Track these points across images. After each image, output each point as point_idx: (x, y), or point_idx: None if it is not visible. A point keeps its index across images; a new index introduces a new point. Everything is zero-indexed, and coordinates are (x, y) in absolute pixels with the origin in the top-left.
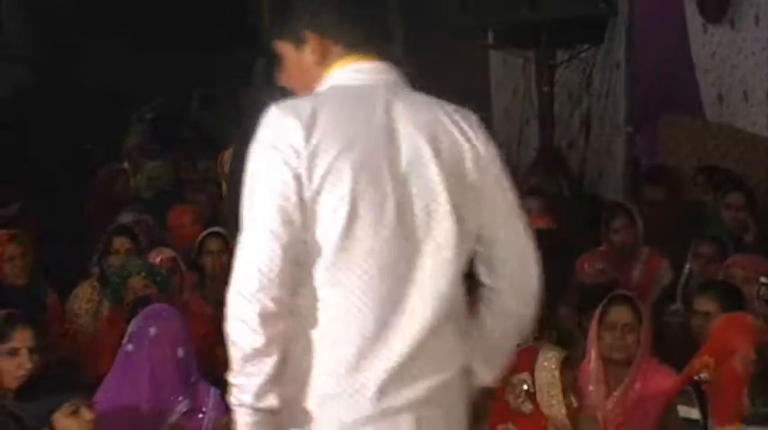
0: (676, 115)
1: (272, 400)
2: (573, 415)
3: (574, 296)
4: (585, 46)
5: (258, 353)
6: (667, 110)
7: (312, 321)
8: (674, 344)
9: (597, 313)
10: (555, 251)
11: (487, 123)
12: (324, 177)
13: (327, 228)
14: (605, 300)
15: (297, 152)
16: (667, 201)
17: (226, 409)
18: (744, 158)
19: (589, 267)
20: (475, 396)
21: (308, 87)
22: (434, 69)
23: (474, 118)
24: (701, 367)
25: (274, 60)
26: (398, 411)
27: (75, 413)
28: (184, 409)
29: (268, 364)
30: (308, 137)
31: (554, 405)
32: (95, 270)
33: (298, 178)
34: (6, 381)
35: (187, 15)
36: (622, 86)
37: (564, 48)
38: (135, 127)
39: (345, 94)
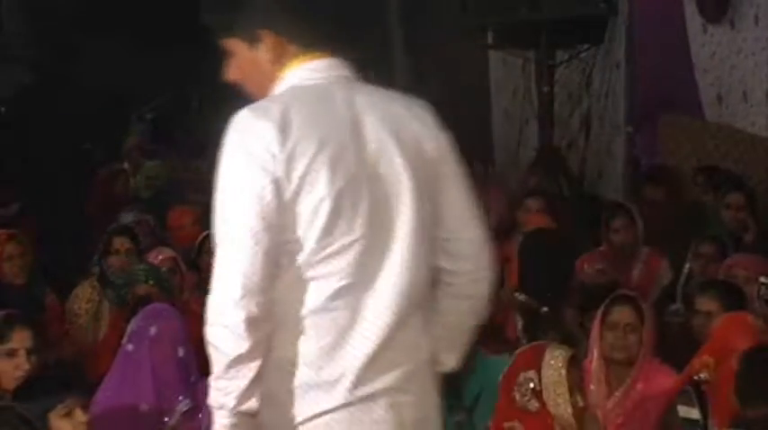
0: (676, 115)
1: (253, 403)
2: (579, 414)
3: (576, 296)
4: (585, 46)
5: (243, 359)
6: (667, 110)
7: (290, 315)
8: (674, 344)
9: (599, 313)
10: (555, 251)
11: (487, 123)
12: (302, 179)
13: (307, 227)
14: (607, 300)
15: (273, 156)
16: (667, 201)
17: None
18: (743, 158)
19: (589, 267)
20: None
21: (262, 85)
22: (434, 69)
23: (429, 110)
24: (702, 367)
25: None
26: (373, 397)
27: (68, 414)
28: (184, 409)
29: (252, 369)
30: (283, 140)
31: (560, 403)
32: (95, 270)
33: (276, 182)
34: (4, 382)
35: (187, 15)
36: (622, 86)
37: (564, 48)
38: (135, 127)
39: (308, 93)
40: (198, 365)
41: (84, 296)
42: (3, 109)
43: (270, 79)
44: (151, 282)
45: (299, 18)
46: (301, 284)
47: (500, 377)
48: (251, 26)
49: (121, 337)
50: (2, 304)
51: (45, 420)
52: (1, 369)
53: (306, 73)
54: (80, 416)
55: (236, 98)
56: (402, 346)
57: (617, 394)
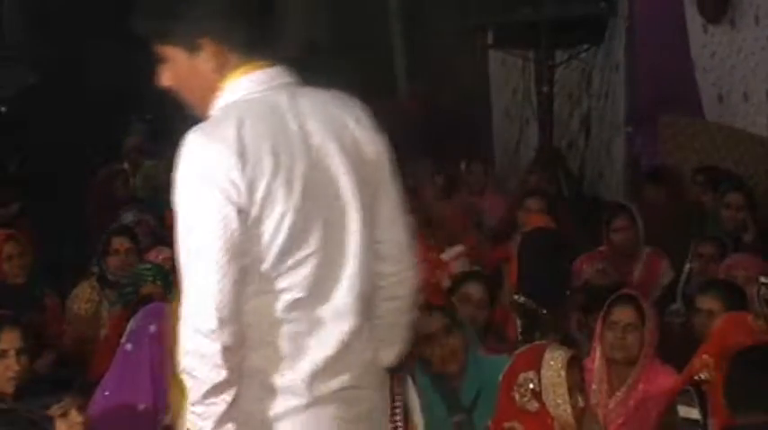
0: (676, 115)
1: (230, 427)
2: (579, 414)
3: (579, 296)
4: (585, 46)
5: (221, 386)
6: (667, 110)
7: (251, 327)
8: (674, 344)
9: (602, 313)
10: (555, 251)
11: (487, 123)
12: (263, 201)
13: (268, 245)
14: (609, 300)
15: (235, 185)
16: (667, 202)
17: None
18: (744, 158)
19: (589, 267)
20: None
21: (201, 94)
22: (434, 69)
23: (368, 113)
24: (702, 367)
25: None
26: (331, 396)
27: (64, 414)
28: None
29: (230, 394)
30: (242, 166)
31: (560, 404)
32: (95, 270)
33: (241, 211)
34: None
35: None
36: (622, 86)
37: (564, 48)
38: (135, 127)
39: (255, 108)
40: None
41: (83, 296)
42: (3, 109)
43: (211, 88)
44: (159, 282)
45: (240, 26)
46: (261, 298)
47: (499, 377)
48: (191, 34)
49: (121, 337)
50: (1, 304)
51: (50, 421)
52: None
53: (250, 85)
54: (75, 416)
55: None
56: (356, 350)
57: (619, 394)
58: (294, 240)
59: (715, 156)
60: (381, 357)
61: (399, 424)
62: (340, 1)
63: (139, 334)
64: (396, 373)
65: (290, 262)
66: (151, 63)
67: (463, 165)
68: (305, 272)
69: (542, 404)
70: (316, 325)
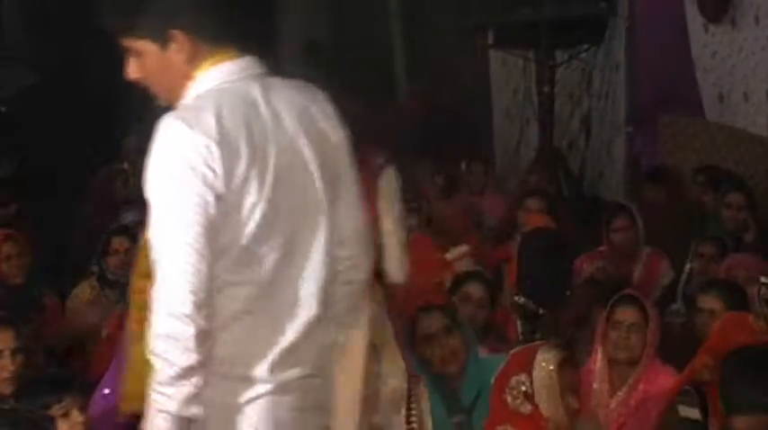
0: (676, 115)
1: (195, 410)
2: (572, 415)
3: (581, 290)
4: (586, 46)
5: (192, 370)
6: (667, 110)
7: (218, 317)
8: (674, 344)
9: (604, 312)
10: (555, 251)
11: (488, 123)
12: (239, 189)
13: (238, 235)
14: (612, 300)
15: (214, 170)
16: (667, 201)
17: None
18: (744, 158)
19: (588, 266)
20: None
21: (172, 84)
22: (434, 69)
23: (331, 101)
24: (702, 367)
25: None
26: (290, 385)
27: (66, 415)
28: None
29: (199, 378)
30: (221, 152)
31: (552, 406)
32: (95, 269)
33: (219, 197)
34: None
35: (227, 17)
36: (622, 87)
37: (564, 48)
38: (135, 127)
39: (230, 97)
40: None
41: (83, 296)
42: (3, 108)
43: (182, 79)
44: None
45: (210, 16)
46: (228, 287)
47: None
48: (162, 26)
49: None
50: (0, 304)
51: (51, 421)
52: None
53: (222, 75)
54: (77, 416)
55: None
56: (316, 338)
57: (620, 394)
58: (263, 230)
59: (715, 156)
60: (339, 341)
61: (414, 425)
62: (340, 1)
63: None
64: (412, 375)
65: (257, 252)
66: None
67: (463, 165)
68: (270, 262)
69: (535, 406)
70: (279, 313)
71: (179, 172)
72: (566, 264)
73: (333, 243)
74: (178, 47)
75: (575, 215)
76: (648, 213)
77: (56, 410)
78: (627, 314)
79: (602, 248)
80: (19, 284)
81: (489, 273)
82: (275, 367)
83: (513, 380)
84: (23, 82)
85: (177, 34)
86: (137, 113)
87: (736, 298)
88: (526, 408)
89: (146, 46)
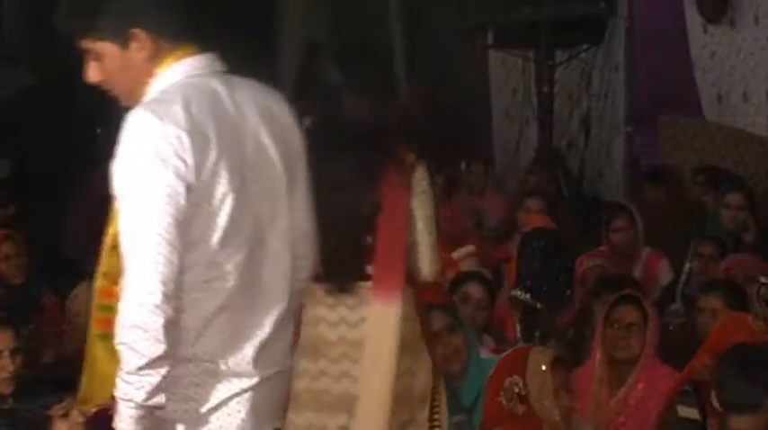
0: (676, 115)
1: (161, 398)
2: (566, 415)
3: (581, 289)
4: (585, 46)
5: (159, 360)
6: (667, 110)
7: (193, 314)
8: (674, 344)
9: (603, 312)
10: (555, 251)
11: (487, 123)
12: (210, 179)
13: (209, 229)
14: (612, 299)
15: (185, 162)
16: (667, 202)
17: None
18: (743, 159)
19: (588, 261)
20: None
21: (134, 84)
22: (434, 69)
23: (288, 103)
24: (701, 367)
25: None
26: (269, 379)
27: (66, 415)
28: None
29: (166, 367)
30: (191, 144)
31: (546, 406)
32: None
33: (189, 188)
34: None
35: (186, 15)
36: (622, 86)
37: (563, 48)
38: None
39: (196, 91)
40: None
41: (83, 296)
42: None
43: (144, 77)
44: None
45: (172, 14)
46: (207, 283)
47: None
48: (123, 26)
49: None
50: (0, 303)
51: (50, 421)
52: None
53: (185, 69)
54: (77, 416)
55: None
56: (285, 333)
57: (619, 394)
58: (235, 221)
59: (715, 156)
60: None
61: (437, 422)
62: (340, 1)
63: None
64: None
65: (231, 245)
66: None
67: (463, 165)
68: (243, 255)
69: (529, 407)
70: (253, 309)
71: (150, 163)
72: (566, 264)
73: (294, 238)
74: (139, 46)
75: (574, 215)
76: (648, 213)
77: (56, 410)
78: (627, 314)
79: (602, 248)
80: (18, 284)
81: (489, 274)
82: (257, 361)
83: (507, 381)
84: (23, 82)
85: (139, 33)
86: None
87: (737, 298)
88: (520, 409)
89: (106, 47)
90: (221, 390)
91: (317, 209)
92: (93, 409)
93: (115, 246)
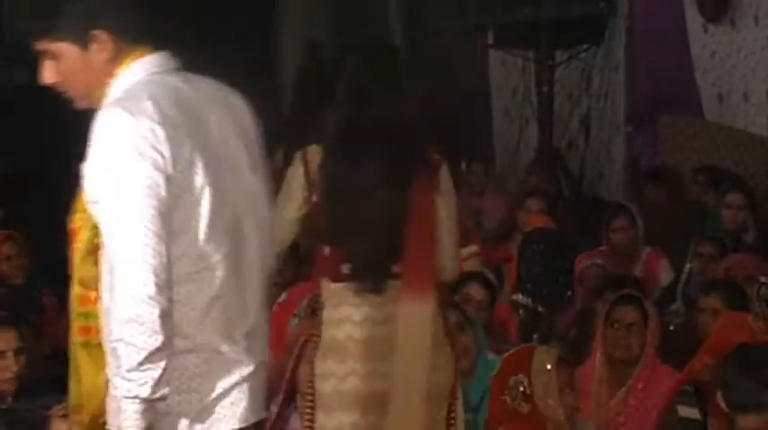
0: (676, 115)
1: (164, 390)
2: (571, 414)
3: (589, 282)
4: (585, 46)
5: (158, 352)
6: (667, 110)
7: (186, 308)
8: (674, 344)
9: (604, 312)
10: (555, 253)
11: (487, 123)
12: (187, 170)
13: (192, 214)
14: (612, 299)
15: (161, 154)
16: (667, 202)
17: None
18: (744, 159)
19: (587, 260)
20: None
21: (92, 86)
22: (434, 69)
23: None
24: (701, 367)
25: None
26: (258, 370)
27: (65, 415)
28: None
29: (164, 359)
30: (165, 136)
31: (551, 405)
32: None
33: (168, 179)
34: None
35: (186, 15)
36: (622, 86)
37: (563, 48)
38: None
39: (158, 86)
40: None
41: None
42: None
43: (104, 78)
44: None
45: (131, 14)
46: (192, 276)
47: None
48: (84, 27)
49: None
50: (1, 304)
51: (50, 421)
52: None
53: (146, 67)
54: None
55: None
56: (267, 326)
57: (619, 394)
58: (216, 211)
59: (715, 156)
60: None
61: (453, 421)
62: (340, 1)
63: None
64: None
65: (216, 234)
66: None
67: (463, 165)
68: (227, 247)
69: (534, 406)
70: (240, 299)
71: (127, 158)
72: (566, 265)
73: (263, 229)
74: (100, 47)
75: (575, 215)
76: (648, 213)
77: (57, 410)
78: (627, 314)
79: (602, 248)
80: (19, 285)
81: (490, 274)
82: (248, 350)
83: (512, 380)
84: (22, 82)
85: (99, 34)
86: None
87: (737, 298)
88: (525, 409)
89: (65, 48)
90: (223, 380)
91: (348, 210)
92: (87, 419)
93: (91, 252)
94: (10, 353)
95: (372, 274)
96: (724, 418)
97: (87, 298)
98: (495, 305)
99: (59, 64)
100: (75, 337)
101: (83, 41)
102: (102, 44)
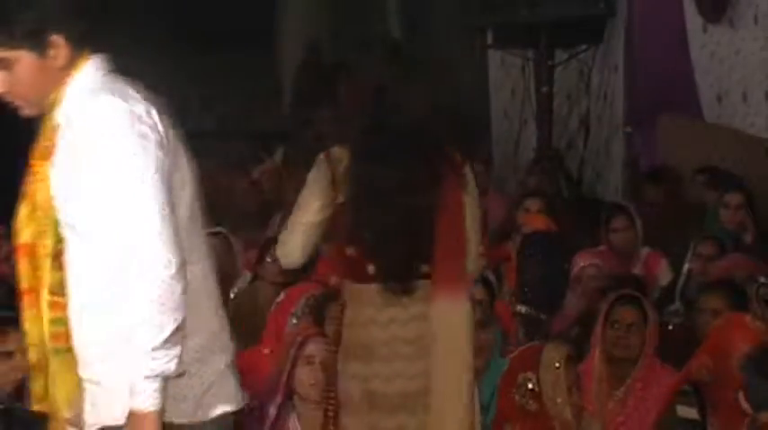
0: (675, 116)
1: (180, 367)
2: (578, 413)
3: (577, 286)
4: (584, 46)
5: (179, 328)
6: (666, 110)
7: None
8: (673, 344)
9: (603, 311)
10: (554, 257)
11: (486, 123)
12: (174, 150)
13: (177, 199)
14: (612, 299)
15: (159, 133)
16: (667, 202)
17: None
18: (743, 159)
19: (584, 260)
20: None
21: (45, 92)
22: (434, 69)
23: None
24: (700, 367)
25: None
26: (233, 357)
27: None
28: None
29: (182, 335)
30: (159, 117)
31: (559, 403)
32: None
33: (166, 155)
34: (1, 384)
35: (186, 15)
36: (621, 87)
37: (563, 48)
38: None
39: (120, 82)
40: None
41: None
42: None
43: (57, 83)
44: None
45: (80, 17)
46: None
47: None
48: (42, 33)
49: None
50: (2, 304)
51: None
52: None
53: (96, 67)
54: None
55: (232, 96)
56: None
57: (618, 394)
58: (192, 198)
59: (714, 157)
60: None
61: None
62: (340, 1)
63: None
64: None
65: (194, 227)
66: (147, 62)
67: None
68: (202, 239)
69: (541, 404)
70: (212, 290)
71: (132, 141)
72: (566, 267)
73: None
74: (56, 52)
75: (574, 215)
76: (648, 213)
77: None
78: (627, 313)
79: (601, 248)
80: None
81: (490, 274)
82: (230, 334)
83: (520, 377)
84: None
85: (57, 39)
86: None
87: (737, 298)
88: (533, 406)
89: (20, 55)
90: (218, 363)
91: (379, 210)
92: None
93: (56, 256)
94: (19, 355)
95: (403, 275)
96: (723, 418)
97: (57, 304)
98: (494, 304)
99: (12, 72)
100: (48, 344)
101: (41, 48)
102: (58, 49)
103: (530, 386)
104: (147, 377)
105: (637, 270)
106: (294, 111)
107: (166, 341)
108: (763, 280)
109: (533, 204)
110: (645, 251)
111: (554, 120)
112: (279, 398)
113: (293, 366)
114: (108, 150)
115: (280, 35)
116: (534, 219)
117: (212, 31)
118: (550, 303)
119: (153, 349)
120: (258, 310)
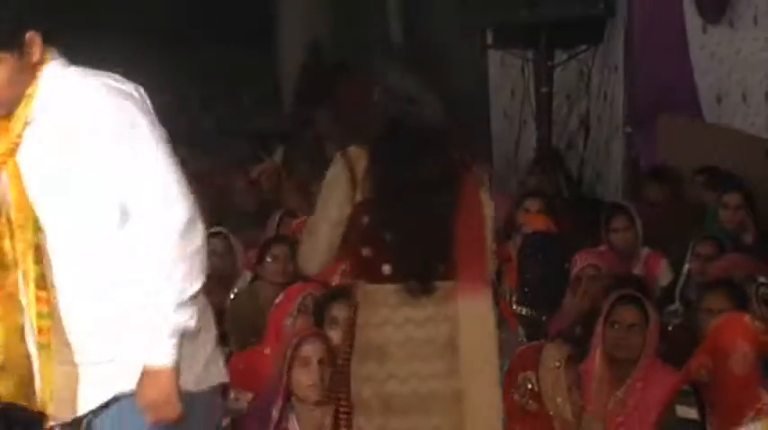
0: (675, 116)
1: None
2: (578, 412)
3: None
4: (584, 46)
5: (202, 287)
6: (666, 110)
7: None
8: (673, 344)
9: (604, 312)
10: (555, 252)
11: (486, 123)
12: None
13: None
14: (612, 299)
15: (151, 113)
16: (667, 202)
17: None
18: (742, 159)
19: (582, 262)
20: None
21: (20, 91)
22: (434, 69)
23: None
24: (700, 367)
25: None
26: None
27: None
28: None
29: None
30: (146, 97)
31: (559, 403)
32: None
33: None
34: None
35: (186, 15)
36: (621, 87)
37: (562, 48)
38: None
39: (93, 72)
40: None
41: None
42: None
43: (30, 80)
44: None
45: (52, 15)
46: None
47: None
48: (19, 32)
49: None
50: None
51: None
52: None
53: (62, 62)
54: None
55: (231, 97)
56: None
57: (618, 393)
58: None
59: (714, 157)
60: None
61: None
62: (340, 1)
63: None
64: None
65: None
66: (146, 62)
67: None
68: None
69: (541, 404)
70: None
71: (143, 131)
72: (566, 267)
73: None
74: (32, 50)
75: (574, 215)
76: (648, 213)
77: None
78: (627, 314)
79: (601, 248)
80: None
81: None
82: (211, 320)
83: (520, 376)
84: None
85: (33, 37)
86: None
87: (737, 298)
88: (533, 406)
89: (2, 58)
90: (212, 335)
91: (401, 210)
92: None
93: (37, 247)
94: None
95: (424, 275)
96: (723, 418)
97: (41, 298)
98: (499, 304)
99: None
100: (38, 339)
101: (20, 47)
102: (35, 47)
103: (530, 386)
104: (171, 333)
105: (637, 270)
106: (294, 111)
107: (195, 296)
108: (762, 280)
109: (533, 204)
110: (645, 251)
111: (554, 121)
112: (280, 402)
113: (290, 367)
114: (116, 130)
115: (280, 35)
116: (534, 220)
117: (212, 31)
118: (550, 303)
119: (179, 305)
120: (258, 310)
